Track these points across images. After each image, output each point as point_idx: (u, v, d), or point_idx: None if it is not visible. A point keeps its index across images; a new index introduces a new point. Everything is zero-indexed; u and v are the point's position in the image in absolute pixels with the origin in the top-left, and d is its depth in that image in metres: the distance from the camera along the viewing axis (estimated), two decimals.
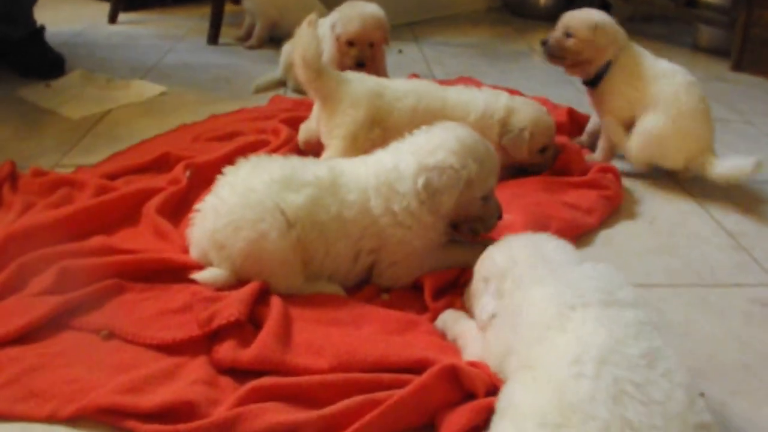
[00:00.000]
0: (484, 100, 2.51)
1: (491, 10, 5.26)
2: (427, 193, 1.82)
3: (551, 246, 1.64)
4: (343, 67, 2.98)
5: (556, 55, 2.66)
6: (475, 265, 1.72)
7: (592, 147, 2.82)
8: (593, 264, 1.55)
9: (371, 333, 1.67)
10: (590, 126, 2.89)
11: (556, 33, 2.66)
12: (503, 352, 1.50)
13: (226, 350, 1.59)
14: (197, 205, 1.94)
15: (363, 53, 2.99)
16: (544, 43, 2.66)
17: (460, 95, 2.53)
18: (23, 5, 3.59)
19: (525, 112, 2.50)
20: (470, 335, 1.66)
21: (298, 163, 1.92)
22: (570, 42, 2.62)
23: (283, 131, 2.62)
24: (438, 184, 1.81)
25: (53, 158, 2.62)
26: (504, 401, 1.34)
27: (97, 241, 2.03)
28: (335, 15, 3.05)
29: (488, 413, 1.41)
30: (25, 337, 1.64)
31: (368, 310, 1.77)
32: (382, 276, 1.91)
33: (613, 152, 2.69)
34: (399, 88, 2.50)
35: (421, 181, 1.81)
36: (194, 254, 1.90)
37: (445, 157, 1.83)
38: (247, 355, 1.57)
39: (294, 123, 2.72)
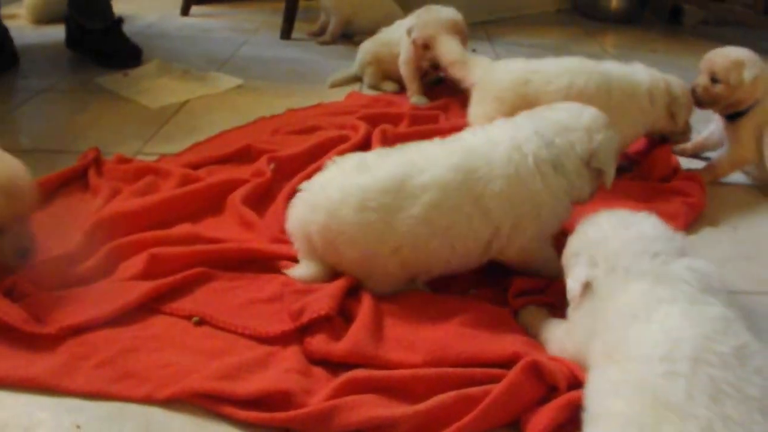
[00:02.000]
0: (643, 70, 2.51)
1: (561, 11, 5.23)
2: (568, 166, 1.82)
3: (647, 225, 1.59)
4: (420, 71, 3.12)
5: (706, 102, 2.56)
6: (565, 248, 1.68)
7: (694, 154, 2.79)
8: (691, 258, 1.51)
9: (461, 327, 1.66)
10: (701, 138, 2.79)
11: (701, 79, 2.55)
12: (586, 334, 1.48)
13: (319, 342, 1.59)
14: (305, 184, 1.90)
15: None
16: (693, 92, 2.58)
17: (622, 68, 2.50)
18: None
19: (674, 80, 2.54)
20: (552, 331, 1.65)
21: (412, 164, 1.78)
22: (719, 88, 2.50)
23: (361, 127, 2.63)
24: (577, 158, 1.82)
25: (135, 146, 2.66)
26: (595, 406, 1.32)
27: (183, 229, 2.05)
28: (412, 19, 3.07)
29: (571, 409, 1.41)
30: (117, 320, 1.67)
31: (457, 305, 1.76)
32: (509, 259, 1.88)
33: (735, 168, 2.63)
34: (550, 69, 2.45)
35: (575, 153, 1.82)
36: (292, 227, 1.87)
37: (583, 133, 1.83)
38: (340, 348, 1.57)
39: (372, 119, 2.73)
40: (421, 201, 1.72)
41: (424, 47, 3.00)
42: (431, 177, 1.74)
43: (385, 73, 3.36)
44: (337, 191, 1.76)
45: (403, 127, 2.75)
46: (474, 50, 4.00)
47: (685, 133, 2.63)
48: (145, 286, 1.74)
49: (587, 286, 1.53)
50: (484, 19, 4.78)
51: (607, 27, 4.92)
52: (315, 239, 1.79)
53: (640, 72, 2.51)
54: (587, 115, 1.87)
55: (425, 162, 1.78)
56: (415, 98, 3.14)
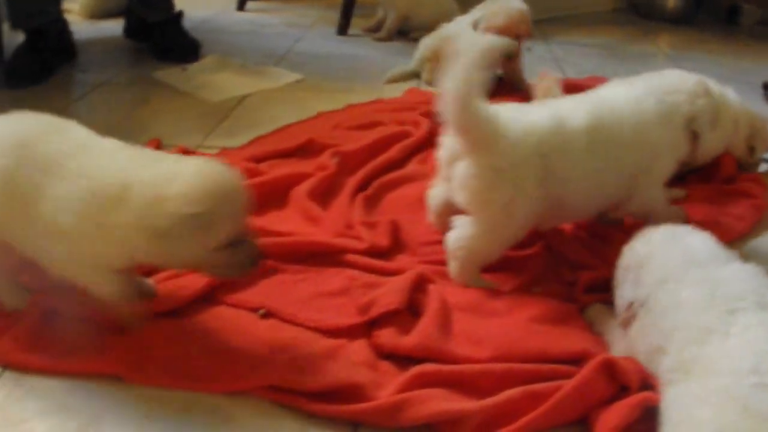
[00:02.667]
0: (734, 97, 2.45)
1: (617, 10, 5.18)
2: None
3: (694, 239, 1.59)
4: None
5: None
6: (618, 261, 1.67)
7: None
8: (741, 264, 1.50)
9: (529, 323, 1.64)
10: None
11: None
12: (651, 350, 1.46)
13: (388, 336, 1.58)
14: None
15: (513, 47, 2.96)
16: (765, 87, 2.53)
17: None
18: None
19: (755, 114, 2.51)
20: (617, 331, 1.62)
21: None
22: None
23: (423, 124, 2.61)
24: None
25: (196, 139, 2.66)
26: (677, 415, 1.30)
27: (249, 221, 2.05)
28: (478, 12, 3.06)
29: (642, 409, 1.39)
30: (184, 311, 1.67)
31: (524, 299, 1.74)
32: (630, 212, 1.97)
33: None
34: (572, 126, 1.81)
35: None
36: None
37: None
38: (409, 342, 1.56)
39: (433, 116, 2.68)
40: (573, 146, 1.77)
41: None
42: (578, 124, 1.79)
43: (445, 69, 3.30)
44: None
45: None
46: (529, 49, 3.97)
47: (755, 164, 2.56)
48: (211, 278, 1.72)
49: (632, 307, 1.54)
50: (539, 17, 4.72)
51: (662, 26, 4.87)
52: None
53: (731, 96, 2.43)
54: (692, 81, 1.97)
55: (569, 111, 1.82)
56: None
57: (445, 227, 1.88)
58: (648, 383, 1.45)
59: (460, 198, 1.76)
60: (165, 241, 1.38)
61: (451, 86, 1.64)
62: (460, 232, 1.78)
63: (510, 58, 3.04)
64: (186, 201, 1.37)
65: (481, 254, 1.79)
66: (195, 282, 1.72)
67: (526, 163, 1.72)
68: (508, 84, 3.14)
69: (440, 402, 1.43)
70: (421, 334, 1.57)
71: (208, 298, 1.72)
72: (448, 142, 1.82)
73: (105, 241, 1.41)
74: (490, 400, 1.43)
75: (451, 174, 1.78)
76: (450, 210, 1.86)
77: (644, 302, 1.52)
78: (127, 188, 1.40)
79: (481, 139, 1.70)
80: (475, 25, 3.00)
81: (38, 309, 1.64)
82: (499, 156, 1.69)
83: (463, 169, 1.73)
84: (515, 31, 2.98)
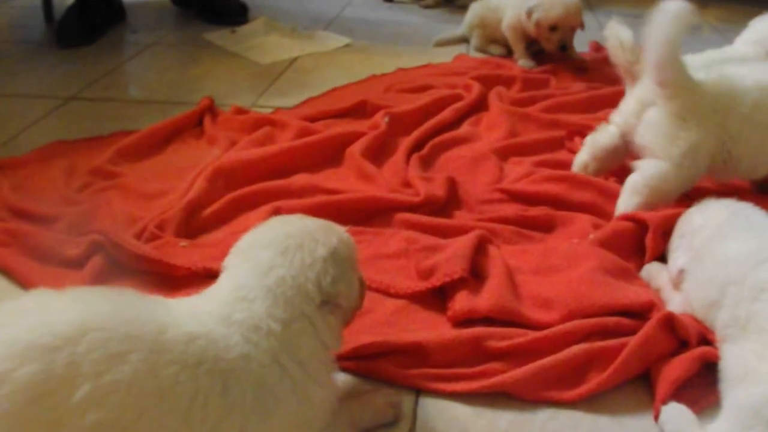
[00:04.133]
0: None
1: None
2: None
3: (751, 211, 1.60)
4: (526, 39, 3.14)
5: None
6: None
7: None
8: None
9: (592, 274, 1.62)
10: None
11: None
12: (706, 305, 1.48)
13: (462, 301, 1.56)
14: None
15: (566, 37, 3.02)
16: None
17: None
18: None
19: None
20: (671, 294, 1.62)
21: None
22: None
23: (474, 87, 2.61)
24: None
25: (248, 99, 2.68)
26: (737, 369, 1.31)
27: (302, 179, 2.06)
28: (532, 1, 3.01)
29: (701, 363, 1.40)
30: None
31: (582, 250, 1.73)
32: None
33: None
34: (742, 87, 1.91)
35: None
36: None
37: None
38: (485, 304, 1.54)
39: (483, 81, 2.70)
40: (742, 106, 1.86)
41: (551, 29, 3.00)
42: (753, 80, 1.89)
43: (491, 36, 3.33)
44: None
45: (515, 91, 2.73)
46: None
47: None
48: None
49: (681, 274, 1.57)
50: None
51: None
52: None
53: None
54: None
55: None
56: (522, 61, 3.10)
57: (600, 172, 2.08)
58: (706, 339, 1.46)
59: (648, 139, 1.91)
60: None
61: (659, 39, 1.81)
62: (646, 171, 1.88)
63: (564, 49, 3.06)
64: None
65: (665, 192, 1.86)
66: None
67: (707, 115, 1.84)
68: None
69: (503, 368, 1.43)
70: (494, 295, 1.56)
71: None
72: (639, 91, 1.97)
73: None
74: (555, 358, 1.43)
75: (639, 120, 1.93)
76: (615, 155, 2.06)
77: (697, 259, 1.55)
78: None
79: (678, 89, 1.84)
80: (530, 13, 2.98)
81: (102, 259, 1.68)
82: (690, 104, 1.84)
83: (655, 113, 1.89)
84: (572, 22, 3.00)
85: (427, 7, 4.09)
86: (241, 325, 1.06)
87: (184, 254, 1.70)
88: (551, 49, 3.06)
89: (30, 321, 0.94)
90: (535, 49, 3.19)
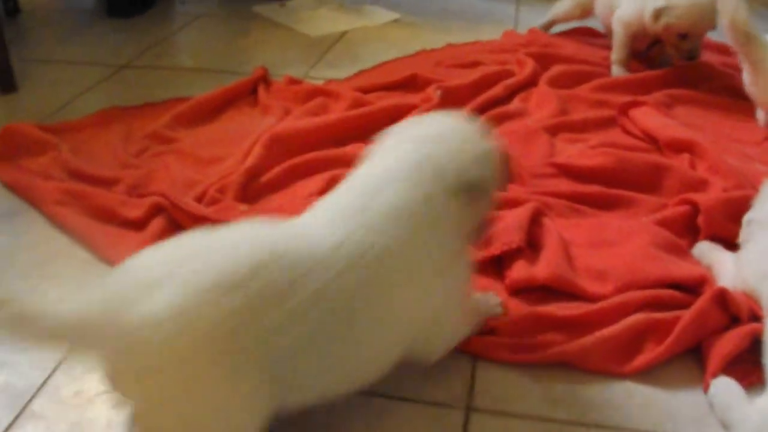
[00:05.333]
0: None
1: None
2: None
3: None
4: (644, 43, 2.76)
5: None
6: None
7: None
8: None
9: (645, 248, 1.64)
10: None
11: None
12: (759, 277, 1.49)
13: (519, 271, 1.59)
14: None
15: (696, 47, 2.56)
16: None
17: None
18: None
19: None
20: (725, 265, 1.63)
21: None
22: None
23: (528, 63, 2.61)
24: None
25: (300, 70, 2.71)
26: None
27: (356, 149, 2.08)
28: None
29: (751, 338, 1.42)
30: None
31: (634, 225, 1.75)
32: None
33: None
34: None
35: None
36: None
37: None
38: (542, 273, 1.56)
39: (537, 58, 2.69)
40: None
41: (681, 36, 2.53)
42: None
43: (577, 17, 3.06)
44: None
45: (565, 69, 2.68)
46: None
47: None
48: None
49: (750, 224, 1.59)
50: None
51: None
52: None
53: None
54: None
55: None
56: (617, 68, 2.69)
57: None
58: (756, 315, 1.46)
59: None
60: None
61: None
62: None
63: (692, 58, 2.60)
64: None
65: None
66: None
67: None
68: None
69: (561, 339, 1.45)
70: (550, 265, 1.58)
71: None
72: None
73: None
74: (613, 330, 1.45)
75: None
76: None
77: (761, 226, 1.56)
78: None
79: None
80: (658, 15, 2.50)
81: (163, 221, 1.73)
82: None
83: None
84: (705, 30, 2.55)
85: None
86: (379, 214, 1.14)
87: (244, 218, 1.72)
88: (675, 59, 2.61)
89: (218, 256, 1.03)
90: (652, 53, 2.80)
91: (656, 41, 2.68)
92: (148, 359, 0.95)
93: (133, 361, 0.96)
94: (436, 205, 1.17)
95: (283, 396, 1.06)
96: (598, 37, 3.08)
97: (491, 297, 1.50)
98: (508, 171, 1.39)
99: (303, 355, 1.04)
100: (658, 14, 2.49)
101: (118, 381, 1.00)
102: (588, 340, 1.43)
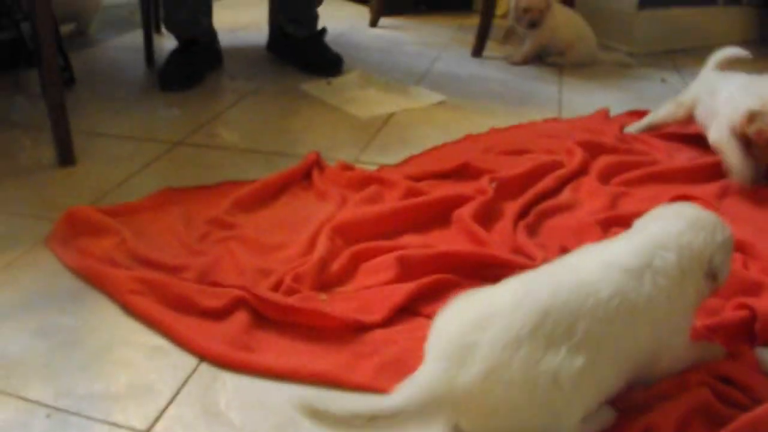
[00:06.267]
0: None
1: (748, 42, 5.05)
2: None
3: None
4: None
5: None
6: None
7: None
8: None
9: None
10: None
11: None
12: None
13: None
14: None
15: None
16: None
17: None
18: (310, 8, 3.79)
19: None
20: None
21: None
22: None
23: (577, 153, 2.66)
24: None
25: (351, 153, 2.77)
26: None
27: (414, 239, 2.14)
28: (751, 97, 2.45)
29: None
30: (388, 322, 1.77)
31: None
32: None
33: None
34: None
35: None
36: None
37: None
38: None
39: (587, 147, 2.75)
40: None
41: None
42: None
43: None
44: None
45: (615, 158, 2.74)
46: (664, 80, 3.98)
47: None
48: (407, 289, 1.83)
49: None
50: (671, 47, 4.75)
51: None
52: None
53: None
54: None
55: None
56: (740, 175, 2.49)
57: None
58: None
59: None
60: None
61: None
62: None
63: None
64: None
65: None
66: (394, 293, 1.84)
67: None
68: None
69: None
70: None
71: (407, 309, 1.83)
72: None
73: None
74: None
75: None
76: None
77: None
78: None
79: None
80: (752, 118, 2.40)
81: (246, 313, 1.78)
82: None
83: None
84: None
85: (515, 64, 4.13)
86: (656, 270, 1.44)
87: (327, 307, 1.79)
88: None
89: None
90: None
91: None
92: (487, 408, 1.27)
93: (477, 410, 1.29)
94: (687, 279, 1.47)
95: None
96: (638, 116, 3.18)
97: (716, 346, 1.69)
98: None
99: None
100: (752, 117, 2.39)
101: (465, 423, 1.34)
102: None
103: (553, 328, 1.28)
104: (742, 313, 1.80)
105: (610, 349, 1.34)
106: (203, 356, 1.66)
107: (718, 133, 2.55)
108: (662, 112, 2.99)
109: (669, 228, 1.51)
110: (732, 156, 2.49)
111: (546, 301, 1.31)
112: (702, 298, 1.54)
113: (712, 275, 1.50)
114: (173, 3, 3.52)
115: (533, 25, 3.99)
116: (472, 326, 1.30)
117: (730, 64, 2.87)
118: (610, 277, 1.39)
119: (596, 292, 1.35)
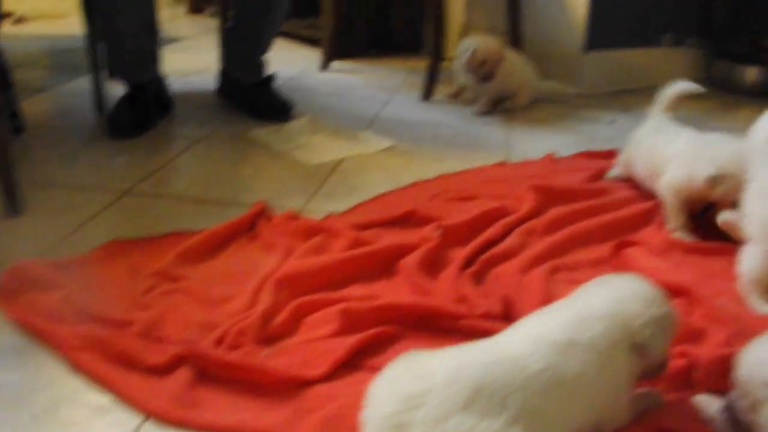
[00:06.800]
0: None
1: (697, 81, 5.14)
2: None
3: None
4: (697, 209, 2.62)
5: None
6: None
7: None
8: None
9: None
10: None
11: None
12: None
13: None
14: None
15: None
16: None
17: None
18: (256, 55, 3.82)
19: None
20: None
21: None
22: None
23: (527, 199, 2.70)
24: None
25: (299, 201, 2.78)
26: None
27: (359, 290, 2.15)
28: (710, 161, 2.48)
29: None
30: (330, 376, 1.77)
31: None
32: None
33: None
34: None
35: None
36: None
37: None
38: None
39: (538, 192, 2.77)
40: None
41: (731, 205, 2.40)
42: None
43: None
44: None
45: (568, 203, 2.77)
46: (613, 121, 4.02)
47: None
48: (349, 342, 1.84)
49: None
50: (619, 88, 4.82)
51: (741, 100, 4.80)
52: None
53: None
54: None
55: None
56: (678, 233, 2.57)
57: None
58: None
59: None
60: None
61: None
62: None
63: None
64: None
65: None
66: (336, 347, 1.84)
67: None
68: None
69: None
70: None
71: (348, 363, 1.82)
72: None
73: None
74: None
75: None
76: None
77: None
78: None
79: None
80: (713, 183, 2.45)
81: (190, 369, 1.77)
82: None
83: None
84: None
85: (481, 114, 4.07)
86: (583, 344, 1.45)
87: (270, 362, 1.80)
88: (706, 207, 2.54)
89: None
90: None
91: (710, 205, 2.52)
92: None
93: None
94: (617, 352, 1.48)
95: None
96: (597, 159, 3.26)
97: (656, 394, 1.70)
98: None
99: None
100: (714, 182, 2.41)
101: None
102: None
103: (487, 402, 1.30)
104: (682, 362, 1.82)
105: (545, 420, 1.36)
106: (148, 414, 1.66)
107: (666, 194, 2.60)
108: (618, 170, 3.03)
109: (602, 300, 1.52)
110: (676, 217, 2.57)
111: (478, 376, 1.33)
112: (635, 374, 1.55)
113: (639, 349, 1.50)
114: (117, 49, 3.52)
115: (488, 78, 3.94)
116: (405, 404, 1.31)
117: (680, 102, 2.88)
118: (540, 352, 1.41)
119: (527, 366, 1.37)
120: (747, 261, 2.19)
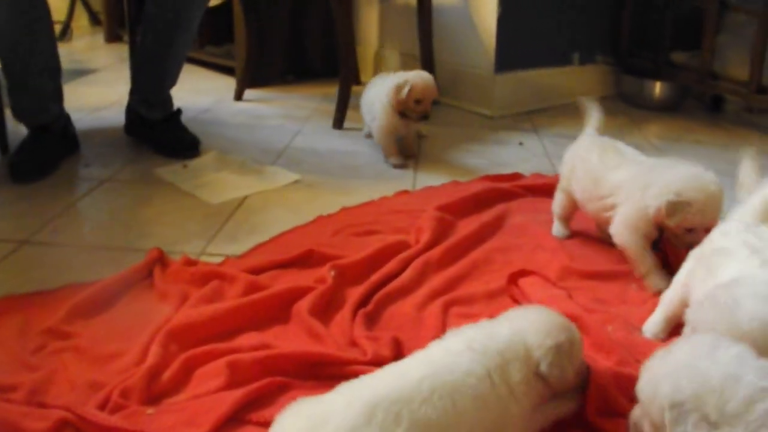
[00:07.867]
0: None
1: (607, 98, 5.21)
2: None
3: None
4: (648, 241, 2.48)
5: None
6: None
7: None
8: None
9: None
10: None
11: None
12: None
13: None
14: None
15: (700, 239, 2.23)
16: None
17: None
18: (161, 90, 3.79)
19: None
20: None
21: None
22: None
23: (425, 231, 2.71)
24: None
25: (199, 245, 2.75)
26: None
27: (252, 339, 2.12)
28: (669, 193, 2.29)
29: None
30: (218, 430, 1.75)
31: None
32: None
33: None
34: None
35: None
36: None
37: None
38: None
39: (438, 222, 2.80)
40: None
41: (689, 230, 2.28)
42: None
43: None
44: None
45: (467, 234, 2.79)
46: (521, 143, 4.06)
47: None
48: (234, 396, 1.81)
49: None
50: (530, 108, 4.88)
51: (650, 115, 4.93)
52: None
53: None
54: None
55: None
56: (651, 281, 2.42)
57: None
58: None
59: None
60: None
61: None
62: None
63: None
64: None
65: None
66: (222, 402, 1.80)
67: None
68: None
69: None
70: None
71: (235, 417, 1.79)
72: None
73: None
74: None
75: None
76: None
77: None
78: None
79: None
80: (673, 210, 2.28)
81: None
82: None
83: None
84: (710, 224, 2.22)
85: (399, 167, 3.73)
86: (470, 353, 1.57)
87: (153, 423, 1.76)
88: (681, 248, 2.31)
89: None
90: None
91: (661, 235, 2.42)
92: None
93: None
94: (515, 376, 1.57)
95: None
96: (501, 181, 3.29)
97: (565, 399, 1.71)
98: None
99: None
100: (673, 209, 2.25)
101: None
102: None
103: (384, 417, 1.37)
104: None
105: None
106: None
107: (625, 236, 2.45)
108: (557, 204, 2.84)
109: (506, 330, 1.64)
110: (643, 263, 2.42)
111: (373, 396, 1.41)
112: (543, 396, 1.62)
113: (542, 377, 1.58)
114: (17, 90, 3.46)
115: (425, 117, 3.61)
116: (308, 429, 1.38)
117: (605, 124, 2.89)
118: (422, 363, 1.56)
119: (411, 377, 1.48)
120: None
